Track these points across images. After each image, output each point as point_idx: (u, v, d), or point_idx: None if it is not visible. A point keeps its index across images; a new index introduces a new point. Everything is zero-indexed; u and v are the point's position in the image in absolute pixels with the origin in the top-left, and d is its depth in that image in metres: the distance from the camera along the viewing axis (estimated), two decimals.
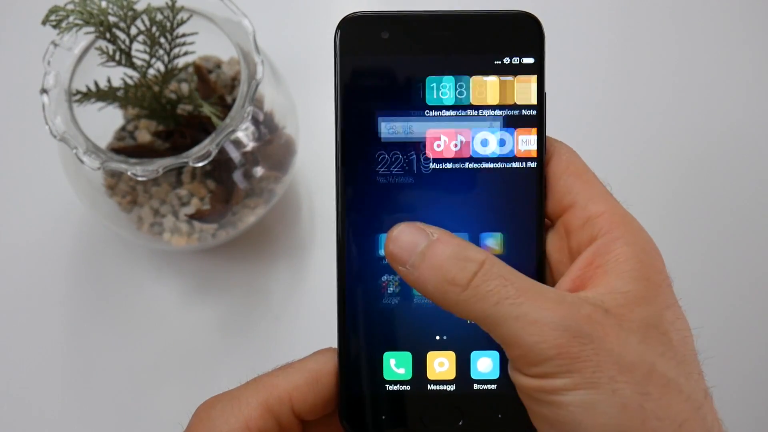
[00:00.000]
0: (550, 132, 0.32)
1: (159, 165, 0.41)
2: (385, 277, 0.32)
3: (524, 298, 0.27)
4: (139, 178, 0.43)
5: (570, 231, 0.30)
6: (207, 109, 0.44)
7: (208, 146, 0.42)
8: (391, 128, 0.31)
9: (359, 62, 0.31)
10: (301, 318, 0.52)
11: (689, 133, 0.56)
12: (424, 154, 0.31)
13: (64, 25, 0.41)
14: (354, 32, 0.31)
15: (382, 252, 0.31)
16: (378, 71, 0.31)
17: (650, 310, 0.27)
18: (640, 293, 0.28)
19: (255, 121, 0.47)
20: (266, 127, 0.48)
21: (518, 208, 0.31)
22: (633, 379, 0.26)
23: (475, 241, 0.32)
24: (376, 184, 0.31)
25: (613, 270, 0.28)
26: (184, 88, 0.50)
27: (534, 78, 0.31)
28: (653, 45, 0.58)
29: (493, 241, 0.32)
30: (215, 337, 0.52)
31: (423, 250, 0.28)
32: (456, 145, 0.31)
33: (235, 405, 0.30)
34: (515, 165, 0.31)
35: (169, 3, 0.43)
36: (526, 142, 0.31)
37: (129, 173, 0.42)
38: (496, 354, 0.32)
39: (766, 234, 0.54)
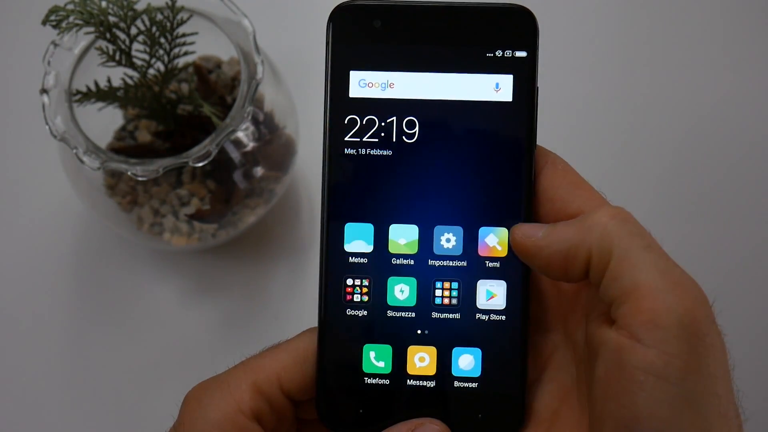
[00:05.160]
0: (542, 136, 0.32)
1: (159, 165, 0.42)
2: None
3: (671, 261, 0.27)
4: (139, 178, 0.43)
5: None
6: (207, 109, 0.44)
7: (208, 146, 0.42)
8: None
9: (351, 51, 0.31)
10: (300, 318, 0.52)
11: (687, 135, 0.56)
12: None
13: (64, 25, 0.41)
14: (346, 21, 0.31)
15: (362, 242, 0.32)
16: (370, 60, 0.31)
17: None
18: None
19: (255, 121, 0.47)
20: (266, 127, 0.48)
21: (507, 209, 0.31)
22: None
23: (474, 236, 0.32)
24: (358, 174, 0.31)
25: None
26: (184, 88, 0.50)
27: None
28: (653, 43, 0.58)
29: (495, 237, 0.32)
30: (215, 336, 0.52)
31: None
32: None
33: (225, 389, 0.30)
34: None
35: (169, 3, 0.43)
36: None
37: (129, 173, 0.42)
38: (477, 351, 0.32)
39: (763, 235, 0.54)
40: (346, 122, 0.32)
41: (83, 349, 0.52)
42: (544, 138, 0.32)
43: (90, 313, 0.53)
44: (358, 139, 0.31)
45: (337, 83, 0.31)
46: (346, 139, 0.32)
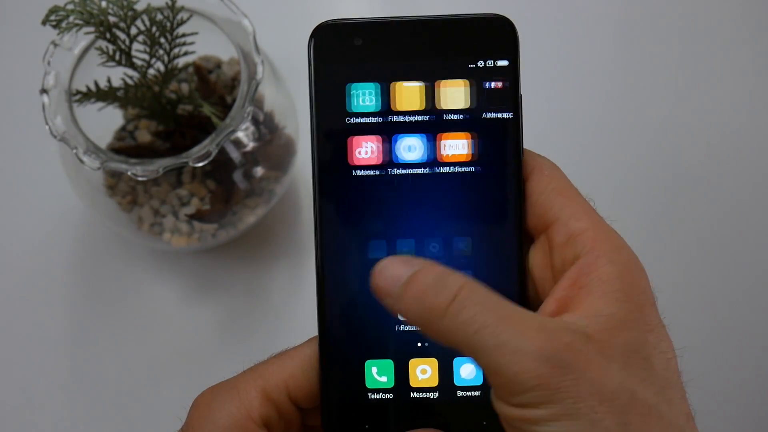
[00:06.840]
0: (529, 144, 0.32)
1: (159, 165, 0.42)
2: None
3: (504, 326, 0.26)
4: (139, 178, 0.43)
5: (553, 248, 0.30)
6: (207, 109, 0.44)
7: (208, 146, 0.42)
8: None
9: (333, 70, 0.31)
10: (300, 317, 0.52)
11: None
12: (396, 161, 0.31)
13: (64, 25, 0.41)
14: (327, 40, 0.31)
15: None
16: (352, 78, 0.31)
17: (632, 334, 0.27)
18: (623, 316, 0.27)
19: (255, 121, 0.47)
20: (266, 127, 0.48)
21: (496, 218, 0.31)
22: (613, 408, 0.25)
23: (449, 248, 0.31)
24: (350, 190, 0.31)
25: (596, 290, 0.28)
26: (184, 88, 0.50)
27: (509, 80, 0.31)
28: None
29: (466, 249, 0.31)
30: (215, 336, 0.52)
31: (405, 280, 0.28)
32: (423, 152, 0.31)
33: (235, 395, 0.30)
34: (488, 170, 0.31)
35: (169, 3, 0.43)
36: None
37: (129, 173, 0.42)
38: None
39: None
40: (333, 143, 0.31)
41: (83, 348, 0.52)
42: (530, 143, 0.32)
43: (90, 312, 0.53)
44: (346, 159, 0.31)
45: (322, 103, 0.31)
46: (334, 159, 0.31)
